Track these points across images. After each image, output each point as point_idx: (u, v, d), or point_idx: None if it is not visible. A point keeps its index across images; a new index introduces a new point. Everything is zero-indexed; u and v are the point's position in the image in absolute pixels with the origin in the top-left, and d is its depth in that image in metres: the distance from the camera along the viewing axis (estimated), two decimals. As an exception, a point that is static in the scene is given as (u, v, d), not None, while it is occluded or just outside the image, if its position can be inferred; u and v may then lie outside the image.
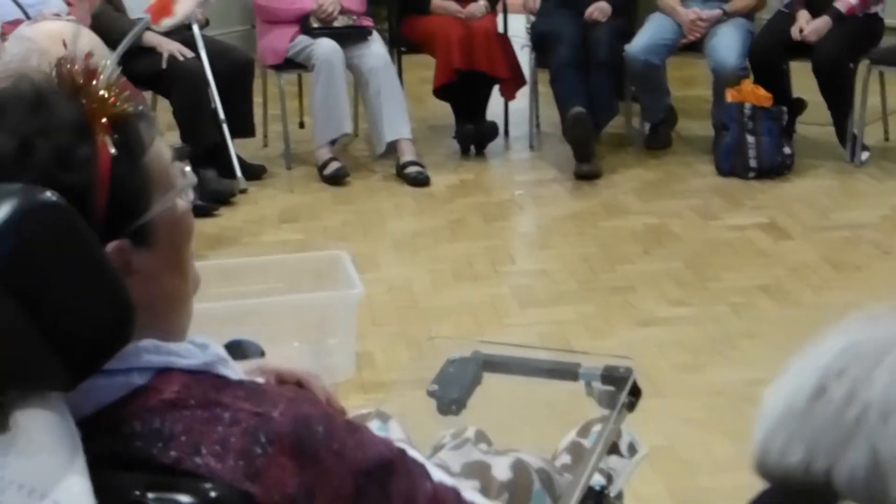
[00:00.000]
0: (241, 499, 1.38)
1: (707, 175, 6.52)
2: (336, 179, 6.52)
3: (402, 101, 6.72)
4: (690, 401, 4.12)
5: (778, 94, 6.45)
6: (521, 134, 7.27)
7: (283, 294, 4.42)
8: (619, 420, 2.16)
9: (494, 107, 7.17)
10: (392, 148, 6.64)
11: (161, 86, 6.27)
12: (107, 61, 1.49)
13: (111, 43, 2.87)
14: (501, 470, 2.16)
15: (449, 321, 4.79)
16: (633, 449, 2.36)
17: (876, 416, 1.10)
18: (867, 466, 1.09)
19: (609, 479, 2.26)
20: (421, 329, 4.65)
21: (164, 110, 6.33)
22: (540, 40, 6.91)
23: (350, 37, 6.64)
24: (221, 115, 6.26)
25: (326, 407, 1.50)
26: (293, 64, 6.71)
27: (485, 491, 2.12)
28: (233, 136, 6.35)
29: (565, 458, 2.30)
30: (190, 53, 6.24)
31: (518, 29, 7.27)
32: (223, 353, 1.52)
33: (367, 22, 6.81)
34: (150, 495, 1.38)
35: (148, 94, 6.32)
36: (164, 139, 1.54)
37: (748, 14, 6.83)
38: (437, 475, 1.62)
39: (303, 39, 6.60)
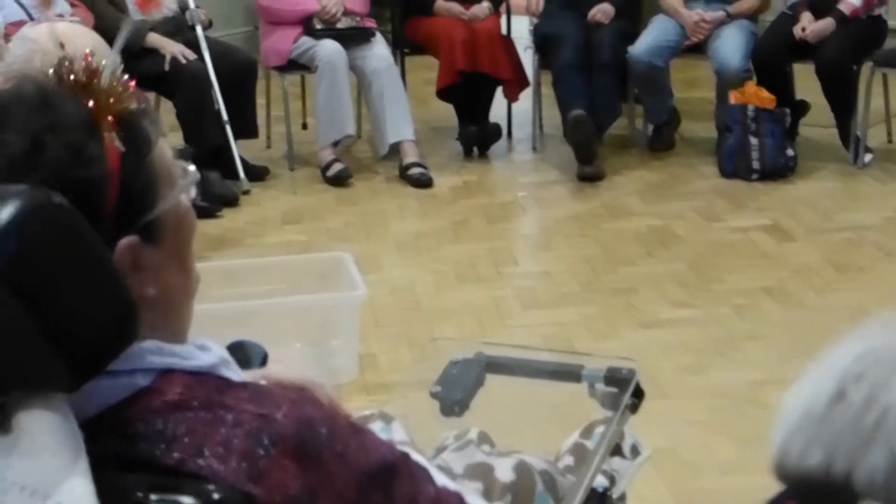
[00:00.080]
0: (243, 500, 1.38)
1: (710, 177, 6.52)
2: (339, 181, 6.52)
3: (405, 102, 6.72)
4: (693, 402, 4.12)
5: (781, 96, 6.45)
6: (525, 135, 7.27)
7: (285, 295, 4.42)
8: (622, 422, 2.15)
9: (497, 108, 7.17)
10: (395, 149, 6.64)
11: (164, 87, 6.27)
12: (107, 60, 1.49)
13: (113, 43, 2.88)
14: (504, 471, 2.16)
15: (452, 322, 4.79)
16: (635, 450, 2.36)
17: (895, 420, 1.11)
18: (887, 469, 1.10)
19: (612, 480, 2.26)
20: (424, 330, 4.65)
21: (167, 112, 6.33)
22: (543, 42, 6.91)
23: (353, 38, 6.64)
24: (225, 116, 6.27)
25: (330, 409, 1.49)
26: (296, 65, 6.71)
27: (487, 492, 2.12)
28: (236, 137, 6.35)
29: (568, 460, 2.30)
30: (193, 55, 6.24)
31: (521, 30, 7.26)
32: (226, 355, 1.52)
33: (371, 23, 6.82)
34: (153, 497, 1.38)
35: (151, 96, 6.32)
36: (165, 138, 1.54)
37: (752, 16, 6.83)
38: (441, 480, 1.62)
39: (306, 41, 6.60)
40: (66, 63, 1.45)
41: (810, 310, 4.85)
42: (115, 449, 1.40)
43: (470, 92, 6.93)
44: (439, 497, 1.59)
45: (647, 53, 6.65)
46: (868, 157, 6.59)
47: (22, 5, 5.61)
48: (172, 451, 1.40)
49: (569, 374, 2.23)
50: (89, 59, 1.46)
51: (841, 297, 4.94)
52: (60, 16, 5.50)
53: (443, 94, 6.98)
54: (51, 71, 1.45)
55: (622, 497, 2.29)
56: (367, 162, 6.93)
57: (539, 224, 6.34)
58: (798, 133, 6.76)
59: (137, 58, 5.72)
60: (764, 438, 3.87)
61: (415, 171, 6.55)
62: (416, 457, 1.60)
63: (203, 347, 1.51)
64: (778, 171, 6.42)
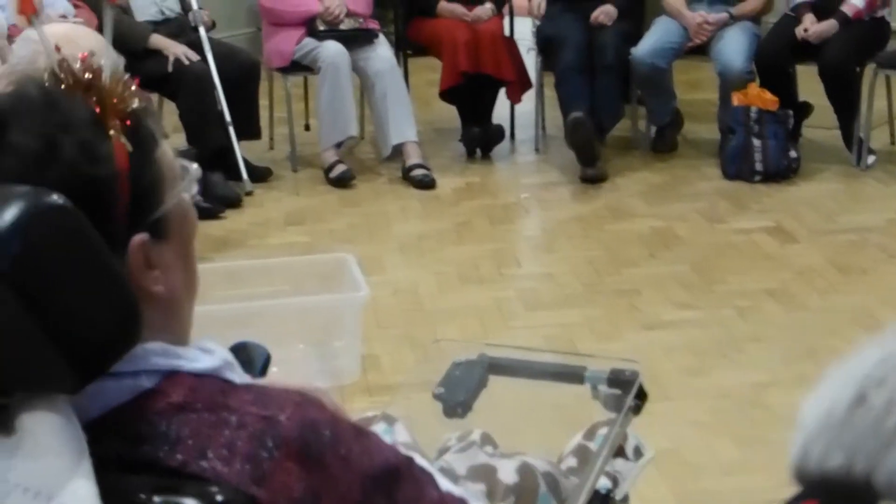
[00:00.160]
0: (247, 502, 1.38)
1: (713, 178, 6.52)
2: (342, 182, 6.52)
3: (408, 103, 6.72)
4: (696, 404, 4.12)
5: (784, 98, 6.45)
6: (527, 137, 7.27)
7: (288, 296, 4.42)
8: (624, 423, 2.15)
9: (500, 110, 7.17)
10: (398, 151, 6.64)
11: (168, 89, 6.27)
12: (108, 60, 1.49)
13: (118, 44, 2.88)
14: (507, 473, 2.16)
15: (454, 324, 4.79)
16: (638, 452, 2.35)
17: None
18: None
19: (615, 482, 2.26)
20: (426, 332, 4.65)
21: (170, 113, 6.34)
22: (546, 43, 6.90)
23: (356, 39, 6.64)
24: (228, 117, 6.27)
25: (333, 412, 1.49)
26: (299, 66, 6.72)
27: (490, 494, 2.12)
28: (239, 138, 6.35)
29: (571, 462, 2.30)
30: (196, 56, 6.24)
31: (524, 32, 7.26)
32: (230, 357, 1.52)
33: (374, 24, 6.82)
34: (156, 499, 1.38)
35: (154, 97, 6.32)
36: (167, 139, 1.55)
37: (754, 17, 6.83)
38: (445, 485, 1.62)
39: (309, 42, 6.60)
40: (66, 64, 1.46)
41: (813, 311, 4.85)
42: (118, 450, 1.40)
43: (473, 93, 6.93)
44: (443, 501, 1.59)
45: (650, 55, 6.64)
46: (871, 159, 6.59)
47: (5, 12, 5.60)
48: (176, 453, 1.40)
49: (572, 375, 2.23)
50: (86, 59, 1.46)
51: (844, 299, 4.94)
52: (64, 17, 5.50)
53: (446, 95, 6.98)
54: (52, 72, 1.45)
55: (625, 498, 2.29)
56: (370, 163, 6.93)
57: (542, 225, 6.34)
58: (801, 135, 6.76)
59: (140, 59, 5.73)
60: (767, 440, 3.89)
61: (418, 172, 6.55)
62: (420, 461, 1.60)
63: (207, 350, 1.51)
64: (781, 172, 6.42)
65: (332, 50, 6.52)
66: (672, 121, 7.03)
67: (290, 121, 6.80)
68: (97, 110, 1.43)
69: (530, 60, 7.08)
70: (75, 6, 5.88)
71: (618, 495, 2.25)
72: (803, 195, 6.25)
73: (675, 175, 6.63)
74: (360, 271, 4.40)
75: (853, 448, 1.12)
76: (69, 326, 1.35)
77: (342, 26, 6.64)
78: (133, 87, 1.48)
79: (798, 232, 5.73)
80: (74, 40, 2.71)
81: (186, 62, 6.21)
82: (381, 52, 6.71)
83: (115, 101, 1.44)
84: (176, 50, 6.22)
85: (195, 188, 1.57)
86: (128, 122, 1.45)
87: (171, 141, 1.55)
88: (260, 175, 6.58)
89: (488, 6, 6.95)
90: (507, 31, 7.05)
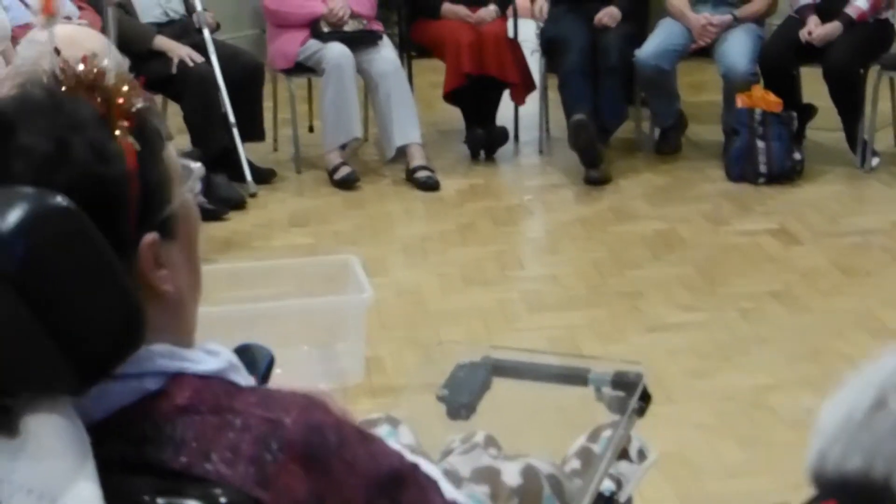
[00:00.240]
0: (250, 505, 1.38)
1: (717, 180, 6.52)
2: (346, 184, 6.52)
3: (412, 105, 6.72)
4: (700, 406, 4.12)
5: (788, 100, 6.45)
6: (531, 139, 7.27)
7: (292, 298, 4.42)
8: (628, 425, 2.15)
9: (504, 111, 7.17)
10: (402, 152, 6.64)
11: (172, 90, 6.28)
12: (111, 61, 1.49)
13: (122, 46, 2.89)
14: (511, 475, 2.15)
15: (458, 326, 4.79)
16: (642, 454, 2.35)
17: None
18: None
19: (619, 484, 2.26)
20: (430, 333, 4.65)
21: (174, 115, 6.34)
22: (549, 45, 6.91)
23: (360, 41, 6.64)
24: (232, 119, 6.27)
25: (339, 416, 1.49)
26: (303, 68, 6.72)
27: (494, 496, 2.12)
28: (243, 140, 6.36)
29: (575, 464, 2.30)
30: (200, 58, 6.25)
31: (528, 34, 7.26)
32: (235, 359, 1.52)
33: (378, 26, 6.82)
34: (160, 501, 1.38)
35: (158, 99, 6.33)
36: (170, 140, 1.55)
37: (759, 19, 6.83)
38: (451, 492, 1.62)
39: (313, 44, 6.60)
40: (67, 66, 1.46)
41: (817, 313, 4.85)
42: (122, 452, 1.40)
43: (477, 95, 6.93)
44: (448, 509, 1.59)
45: (654, 57, 6.64)
46: (875, 161, 6.58)
47: (29, 7, 5.61)
48: (180, 455, 1.40)
49: (575, 377, 2.23)
50: (87, 60, 1.46)
51: (848, 301, 4.94)
52: (68, 18, 5.50)
53: (449, 97, 6.98)
54: (60, 72, 1.45)
55: (629, 501, 2.29)
56: (374, 165, 6.93)
57: (546, 227, 6.34)
58: (805, 136, 6.76)
59: (145, 61, 5.72)
60: (771, 442, 3.89)
61: (421, 174, 6.55)
62: (425, 467, 1.59)
63: (212, 352, 1.51)
64: (785, 174, 6.42)
65: (336, 52, 6.52)
66: (676, 123, 7.03)
67: (293, 122, 6.81)
68: (103, 110, 1.43)
69: (534, 62, 7.08)
70: (79, 8, 5.88)
71: (621, 498, 2.24)
72: (807, 197, 6.24)
73: (679, 177, 6.63)
74: (363, 273, 4.40)
75: (872, 451, 1.13)
76: (73, 328, 1.35)
77: (346, 28, 6.64)
78: (138, 87, 1.48)
79: (802, 234, 5.73)
80: (78, 42, 2.71)
81: (191, 64, 6.21)
82: (385, 54, 6.71)
83: (120, 100, 1.44)
84: (180, 51, 6.23)
85: (198, 187, 1.57)
86: (134, 122, 1.45)
87: (175, 142, 1.56)
88: (264, 177, 6.58)
89: (492, 8, 6.95)
90: (510, 33, 7.05)
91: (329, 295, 4.45)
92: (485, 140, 7.03)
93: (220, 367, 1.49)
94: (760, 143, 6.39)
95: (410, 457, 1.59)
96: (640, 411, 2.16)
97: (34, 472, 1.32)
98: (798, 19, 6.59)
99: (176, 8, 6.52)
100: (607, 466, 2.09)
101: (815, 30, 6.43)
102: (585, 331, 4.72)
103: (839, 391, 1.18)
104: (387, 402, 3.77)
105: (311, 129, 7.33)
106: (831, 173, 6.56)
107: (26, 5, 5.60)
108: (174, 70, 6.18)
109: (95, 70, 1.45)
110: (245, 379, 1.52)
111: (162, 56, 6.19)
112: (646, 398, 2.16)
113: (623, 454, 2.28)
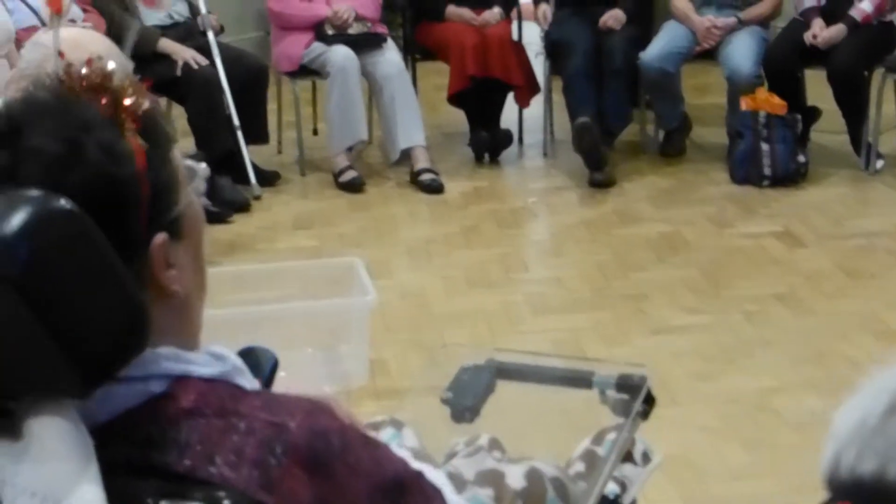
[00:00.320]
0: (254, 509, 1.38)
1: (721, 183, 6.52)
2: (352, 187, 6.52)
3: (416, 108, 6.72)
4: (704, 409, 4.11)
5: (792, 102, 6.44)
6: (535, 141, 7.27)
7: (296, 300, 4.42)
8: (633, 428, 2.15)
9: (508, 114, 7.17)
10: (406, 155, 6.64)
11: (176, 92, 6.28)
12: (117, 64, 1.49)
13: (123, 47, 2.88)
14: (515, 478, 2.15)
15: (462, 328, 4.79)
16: (646, 457, 2.35)
17: None
18: None
19: (623, 487, 2.26)
20: (434, 336, 4.65)
21: (178, 117, 6.34)
22: (554, 48, 6.90)
23: (365, 44, 6.64)
24: (236, 121, 6.28)
25: (344, 420, 1.49)
26: (308, 71, 6.72)
27: (498, 499, 2.12)
28: (247, 142, 6.36)
29: (579, 467, 2.30)
30: (205, 61, 6.25)
31: (532, 36, 7.26)
32: (240, 362, 1.52)
33: (382, 29, 6.82)
34: (164, 503, 1.38)
35: (162, 101, 6.33)
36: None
37: (763, 22, 6.82)
38: (455, 501, 1.62)
39: (318, 46, 6.60)
40: (71, 68, 1.46)
41: (821, 316, 4.85)
42: (126, 455, 1.40)
43: (481, 97, 6.93)
44: (451, 517, 1.59)
45: (659, 59, 6.64)
46: (879, 164, 6.58)
47: (34, 11, 5.61)
48: (184, 458, 1.40)
49: (580, 380, 2.23)
50: (92, 63, 1.46)
51: (852, 304, 4.94)
52: (72, 21, 5.50)
53: (454, 99, 6.98)
54: (65, 75, 1.45)
55: (633, 503, 2.29)
56: (378, 167, 6.93)
57: (550, 230, 6.34)
58: (809, 139, 6.75)
59: (149, 63, 5.72)
60: (775, 444, 3.88)
61: (426, 176, 6.55)
62: (430, 475, 1.59)
63: (217, 355, 1.51)
64: (789, 177, 6.41)
65: (341, 54, 6.52)
66: (680, 125, 7.02)
67: (298, 125, 6.81)
68: (111, 111, 1.43)
69: (538, 65, 7.08)
70: (84, 10, 5.88)
71: (626, 500, 2.24)
72: (812, 200, 6.24)
73: (684, 179, 6.62)
74: (367, 275, 4.40)
75: (886, 454, 1.13)
76: (77, 331, 1.35)
77: (350, 31, 6.64)
78: (143, 88, 1.49)
79: (806, 236, 5.73)
80: (83, 45, 2.71)
81: (195, 66, 6.22)
82: (390, 57, 6.71)
83: (127, 101, 1.44)
84: (185, 54, 6.23)
85: (203, 187, 1.57)
86: (141, 123, 1.45)
87: (180, 145, 1.55)
88: (268, 179, 6.58)
89: (496, 10, 6.94)
90: (515, 36, 7.06)
91: (333, 297, 4.45)
92: (489, 143, 7.03)
93: (224, 370, 1.49)
94: (765, 146, 6.38)
95: (415, 464, 1.59)
96: (645, 414, 2.16)
97: (37, 475, 1.32)
98: (802, 22, 6.59)
99: (180, 10, 6.52)
100: (611, 469, 2.09)
101: (820, 32, 6.43)
102: (589, 333, 4.72)
103: (853, 396, 1.19)
104: (391, 405, 3.77)
105: (315, 132, 7.33)
106: (836, 176, 6.55)
107: (30, 8, 5.60)
108: (178, 72, 6.18)
109: (102, 72, 1.45)
110: (250, 382, 1.52)
111: (166, 59, 6.19)
112: (650, 401, 2.16)
113: (627, 457, 2.28)
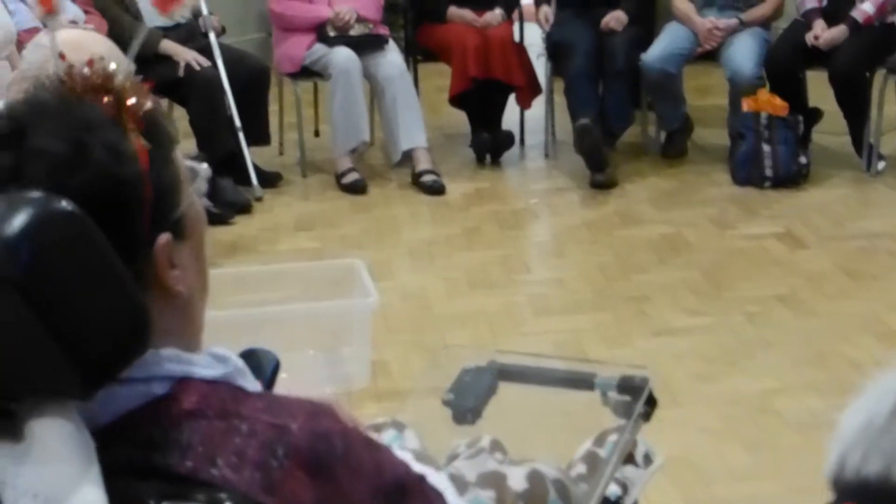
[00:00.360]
0: (256, 510, 1.38)
1: (723, 184, 6.51)
2: (355, 189, 6.52)
3: (417, 109, 6.72)
4: (706, 410, 4.11)
5: (794, 104, 6.44)
6: (537, 143, 7.26)
7: (298, 302, 4.42)
8: (634, 430, 2.15)
9: (510, 115, 7.17)
10: (408, 156, 6.64)
11: (178, 94, 6.28)
12: (119, 65, 1.49)
13: (127, 49, 2.88)
14: (517, 480, 2.15)
15: (464, 329, 4.78)
16: (648, 459, 2.35)
17: None
18: None
19: (624, 488, 2.26)
20: (436, 337, 4.65)
21: (180, 118, 6.34)
22: (555, 49, 6.91)
23: (366, 45, 6.64)
24: (238, 122, 6.28)
25: (346, 423, 1.49)
26: (309, 72, 6.72)
27: (500, 501, 2.12)
28: (249, 143, 6.36)
29: (581, 468, 2.30)
30: (206, 62, 6.26)
31: (534, 37, 7.26)
32: (242, 364, 1.52)
33: (383, 30, 6.82)
34: (165, 504, 1.38)
35: (164, 103, 6.33)
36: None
37: (765, 23, 6.82)
38: None
39: (319, 48, 6.61)
40: (72, 69, 1.46)
41: (823, 317, 4.85)
42: (128, 456, 1.40)
43: (482, 99, 6.93)
44: (453, 521, 1.59)
45: (660, 60, 6.64)
46: (881, 165, 6.58)
47: (29, 6, 5.61)
48: (186, 460, 1.40)
49: (581, 381, 2.23)
50: (93, 64, 1.46)
51: (854, 305, 4.94)
52: (74, 22, 5.50)
53: (455, 101, 6.99)
54: (66, 76, 1.45)
55: (634, 505, 2.29)
56: (380, 169, 6.93)
57: (551, 231, 6.34)
58: (811, 140, 6.74)
59: (151, 64, 5.72)
60: (777, 446, 3.88)
61: (427, 178, 6.55)
62: (433, 479, 1.59)
63: (219, 356, 1.51)
64: (791, 178, 6.41)
65: (342, 56, 6.52)
66: (682, 126, 7.02)
67: (299, 126, 6.81)
68: (113, 112, 1.43)
69: (540, 66, 7.08)
70: (86, 11, 5.89)
71: (627, 502, 2.24)
72: (813, 201, 6.24)
73: (685, 181, 6.62)
74: (369, 277, 4.40)
75: (892, 455, 1.14)
76: (78, 332, 1.35)
77: (352, 32, 6.64)
78: (146, 88, 1.49)
79: (808, 238, 5.72)
80: (84, 46, 2.71)
81: (197, 67, 6.22)
82: (391, 58, 6.71)
83: (130, 102, 1.44)
84: (186, 55, 6.24)
85: (205, 188, 1.58)
86: (144, 123, 1.45)
87: (182, 146, 1.55)
88: (270, 180, 6.58)
89: (498, 12, 6.95)
90: (516, 37, 7.05)
91: (335, 299, 4.45)
92: (491, 144, 7.03)
93: (226, 372, 1.49)
94: (766, 147, 6.38)
95: (417, 467, 1.59)
96: (646, 415, 2.16)
97: (39, 477, 1.32)
98: (804, 23, 6.58)
99: (182, 12, 6.52)
100: (613, 471, 2.09)
101: (822, 33, 6.43)
102: (591, 335, 4.72)
103: (858, 398, 1.19)
104: (392, 407, 3.77)
105: (316, 134, 7.33)
106: (837, 177, 6.55)
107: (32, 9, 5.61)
108: (180, 74, 6.19)
109: (103, 72, 1.45)
110: (252, 384, 1.52)
111: (168, 60, 6.20)
112: (652, 402, 2.16)
113: (629, 458, 2.28)
